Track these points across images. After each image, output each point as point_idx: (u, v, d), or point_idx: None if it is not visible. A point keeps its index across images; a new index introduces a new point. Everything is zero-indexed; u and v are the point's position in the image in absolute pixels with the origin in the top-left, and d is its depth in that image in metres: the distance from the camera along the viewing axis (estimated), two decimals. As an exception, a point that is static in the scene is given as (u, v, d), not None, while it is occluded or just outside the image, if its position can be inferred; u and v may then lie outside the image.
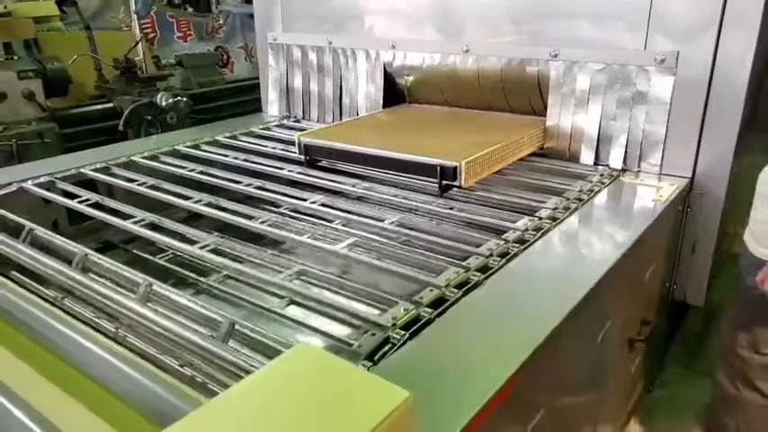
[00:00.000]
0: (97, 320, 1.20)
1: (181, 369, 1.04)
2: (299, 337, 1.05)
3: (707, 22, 1.65)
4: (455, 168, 1.61)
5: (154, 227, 1.54)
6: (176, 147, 2.17)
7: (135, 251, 1.74)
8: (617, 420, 1.83)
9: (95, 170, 1.90)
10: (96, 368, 0.94)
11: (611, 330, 1.39)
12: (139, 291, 1.12)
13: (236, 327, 0.98)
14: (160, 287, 1.13)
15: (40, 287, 1.32)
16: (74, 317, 1.14)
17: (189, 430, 0.62)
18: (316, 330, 1.09)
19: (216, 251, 1.42)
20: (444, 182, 1.65)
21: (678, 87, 1.74)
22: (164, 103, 3.08)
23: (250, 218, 1.56)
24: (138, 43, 3.33)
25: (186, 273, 1.58)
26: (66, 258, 1.31)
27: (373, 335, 0.98)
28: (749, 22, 1.61)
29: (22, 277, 1.35)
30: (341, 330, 1.12)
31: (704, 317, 2.39)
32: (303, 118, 2.63)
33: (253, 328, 0.99)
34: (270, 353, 0.95)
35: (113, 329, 1.18)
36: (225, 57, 4.28)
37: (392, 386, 0.67)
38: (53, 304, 1.18)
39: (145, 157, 2.05)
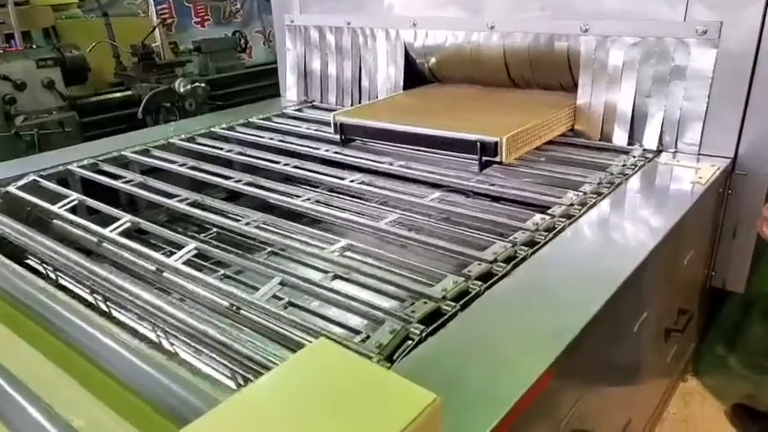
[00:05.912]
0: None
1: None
2: (348, 309, 1.06)
3: (755, -12, 1.54)
4: (496, 144, 1.57)
5: (197, 205, 1.56)
6: (212, 128, 2.20)
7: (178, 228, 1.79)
8: (652, 410, 1.77)
9: (136, 152, 1.94)
10: (117, 366, 0.92)
11: (647, 320, 1.33)
12: (186, 249, 1.21)
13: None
14: (209, 249, 1.23)
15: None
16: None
17: (208, 428, 0.60)
18: (364, 303, 1.04)
19: (260, 227, 1.44)
20: (484, 158, 1.61)
21: (721, 60, 1.64)
22: (182, 90, 3.06)
23: (292, 196, 1.58)
24: (155, 29, 3.29)
25: (230, 249, 1.60)
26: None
27: (425, 303, 0.98)
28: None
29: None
30: (390, 303, 1.09)
31: (744, 305, 2.28)
32: (321, 102, 2.57)
33: (301, 287, 1.07)
34: (318, 326, 0.98)
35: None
36: (243, 41, 4.21)
37: (416, 387, 0.63)
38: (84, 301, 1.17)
39: (182, 139, 2.09)
